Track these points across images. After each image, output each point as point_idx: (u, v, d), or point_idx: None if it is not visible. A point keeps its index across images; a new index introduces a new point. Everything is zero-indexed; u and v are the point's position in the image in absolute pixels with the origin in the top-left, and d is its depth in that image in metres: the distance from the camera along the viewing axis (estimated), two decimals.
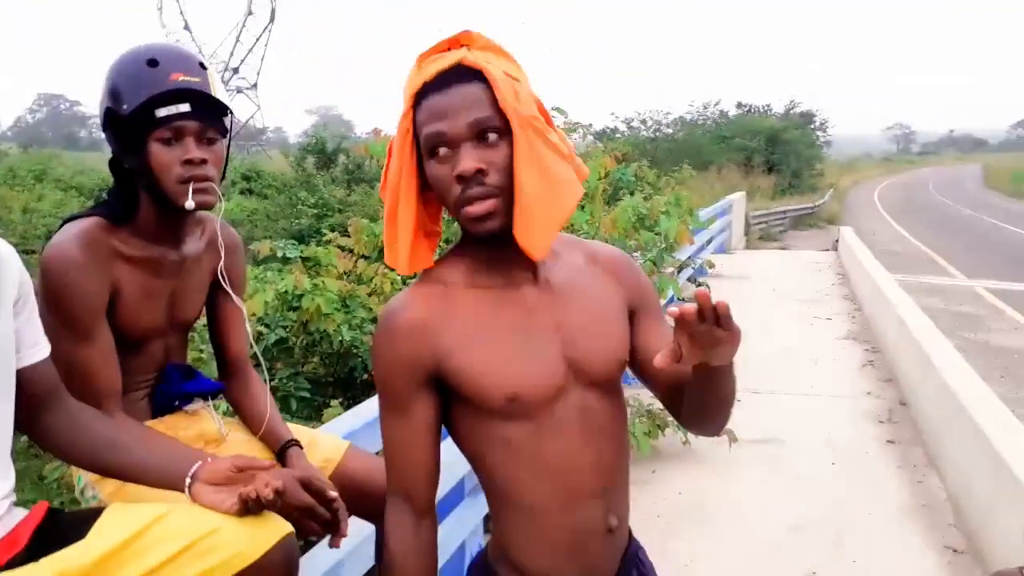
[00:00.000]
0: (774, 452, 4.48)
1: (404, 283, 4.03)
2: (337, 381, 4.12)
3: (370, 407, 2.33)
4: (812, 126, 33.97)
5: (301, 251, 4.11)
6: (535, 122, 1.06)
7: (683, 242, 6.46)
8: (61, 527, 1.24)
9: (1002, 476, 3.15)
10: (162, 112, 1.42)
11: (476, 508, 3.16)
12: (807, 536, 3.47)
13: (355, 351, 3.87)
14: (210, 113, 1.48)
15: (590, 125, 11.80)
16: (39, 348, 1.30)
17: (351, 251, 4.31)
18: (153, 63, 1.43)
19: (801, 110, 33.50)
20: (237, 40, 69.26)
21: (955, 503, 3.82)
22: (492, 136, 1.04)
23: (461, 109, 1.03)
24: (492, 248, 1.12)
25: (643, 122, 20.38)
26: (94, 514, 1.25)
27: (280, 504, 1.27)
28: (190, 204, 1.46)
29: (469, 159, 1.03)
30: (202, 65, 1.48)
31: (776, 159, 28.12)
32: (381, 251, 4.63)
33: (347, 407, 2.82)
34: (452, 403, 1.14)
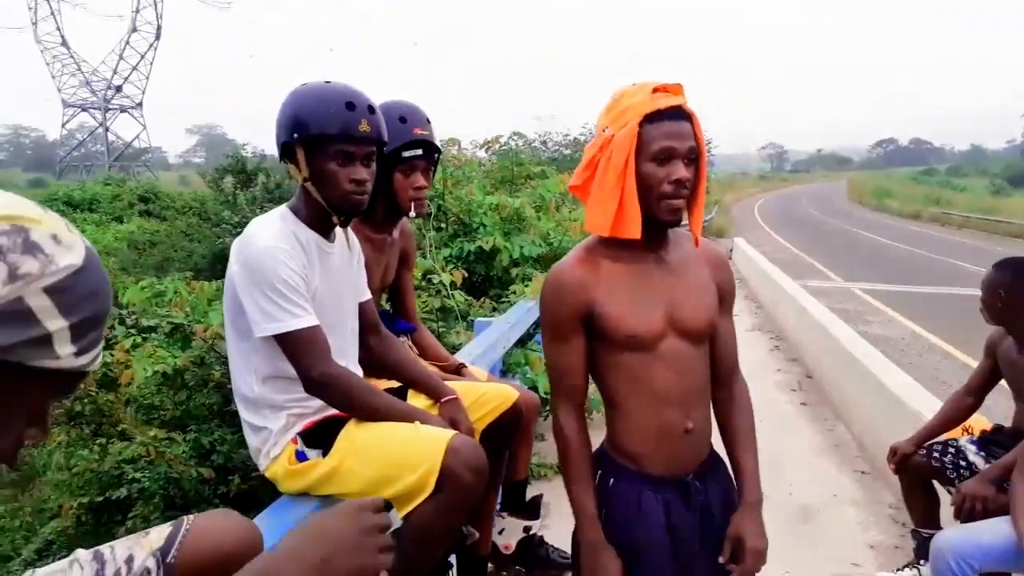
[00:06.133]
0: None
1: None
2: None
3: None
4: None
5: None
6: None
7: None
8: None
9: (893, 411, 4.21)
10: (406, 154, 2.17)
11: None
12: None
13: None
14: (431, 154, 2.23)
15: (500, 146, 12.67)
16: (367, 292, 2.06)
17: None
18: (403, 120, 2.16)
19: None
20: (120, 58, 67.12)
21: (859, 440, 4.90)
22: (691, 160, 1.51)
23: (686, 137, 1.49)
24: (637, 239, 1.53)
25: (544, 143, 21.46)
26: (402, 391, 2.05)
27: None
28: (413, 214, 2.24)
29: (684, 171, 1.49)
30: (428, 120, 2.23)
31: None
32: None
33: None
34: (593, 340, 1.59)
